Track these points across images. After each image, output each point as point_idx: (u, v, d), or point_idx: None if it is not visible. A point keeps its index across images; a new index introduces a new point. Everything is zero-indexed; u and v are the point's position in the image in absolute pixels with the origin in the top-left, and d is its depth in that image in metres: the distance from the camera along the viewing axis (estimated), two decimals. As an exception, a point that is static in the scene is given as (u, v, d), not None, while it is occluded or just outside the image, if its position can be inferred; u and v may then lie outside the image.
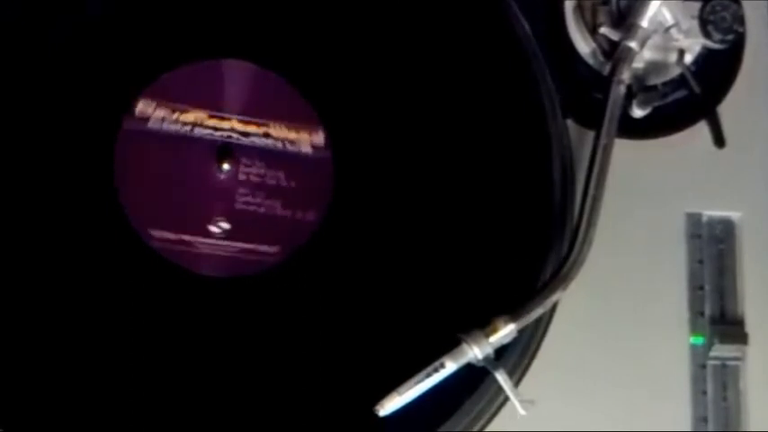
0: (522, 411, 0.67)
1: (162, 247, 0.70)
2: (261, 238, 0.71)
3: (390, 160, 0.73)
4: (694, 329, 0.76)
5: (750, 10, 0.78)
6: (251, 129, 0.72)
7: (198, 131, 0.72)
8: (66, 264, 0.69)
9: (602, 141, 0.73)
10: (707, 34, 0.75)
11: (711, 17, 0.75)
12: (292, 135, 0.72)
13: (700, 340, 0.76)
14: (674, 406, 0.74)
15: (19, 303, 0.68)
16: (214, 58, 0.73)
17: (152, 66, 0.72)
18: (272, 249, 0.71)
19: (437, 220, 0.72)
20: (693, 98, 0.77)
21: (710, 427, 0.74)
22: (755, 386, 0.75)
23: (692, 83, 0.77)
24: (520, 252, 0.72)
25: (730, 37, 0.75)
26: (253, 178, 0.72)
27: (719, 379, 0.75)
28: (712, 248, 0.77)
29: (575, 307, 0.73)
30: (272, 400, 0.68)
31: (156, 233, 0.70)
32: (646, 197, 0.77)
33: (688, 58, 0.77)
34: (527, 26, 0.77)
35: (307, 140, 0.72)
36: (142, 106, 0.72)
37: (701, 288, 0.76)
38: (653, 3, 0.75)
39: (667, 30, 0.76)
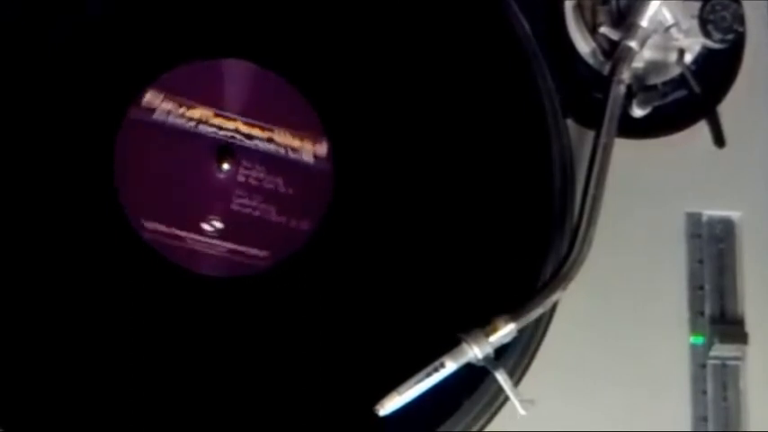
0: (522, 411, 0.67)
1: (153, 239, 0.70)
2: (252, 242, 0.71)
3: (390, 160, 0.73)
4: (694, 329, 0.76)
5: (750, 10, 0.78)
6: (255, 132, 0.72)
7: (202, 128, 0.72)
8: (62, 257, 0.69)
9: (602, 141, 0.73)
10: (707, 34, 0.75)
11: (711, 17, 0.75)
12: (296, 143, 0.72)
13: (700, 340, 0.76)
14: (674, 406, 0.74)
15: (14, 297, 0.68)
16: (214, 58, 0.73)
17: (152, 66, 0.72)
18: (262, 254, 0.71)
19: (437, 220, 0.72)
20: (693, 98, 0.77)
21: (710, 426, 0.74)
22: (755, 386, 0.75)
23: (692, 82, 0.77)
24: (520, 252, 0.72)
25: (730, 36, 0.75)
26: (251, 181, 0.72)
27: (719, 379, 0.75)
28: (712, 248, 0.77)
29: (575, 307, 0.73)
30: (272, 400, 0.68)
31: (150, 225, 0.70)
32: (646, 197, 0.77)
33: (688, 58, 0.77)
34: (527, 26, 0.77)
35: (310, 150, 0.72)
36: (150, 97, 0.72)
37: (701, 288, 0.76)
38: (653, 2, 0.75)
39: (667, 29, 0.76)
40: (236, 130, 0.72)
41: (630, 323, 0.75)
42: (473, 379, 0.69)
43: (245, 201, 0.71)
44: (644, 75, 0.77)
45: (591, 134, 0.74)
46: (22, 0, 0.72)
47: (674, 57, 0.77)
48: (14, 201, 0.69)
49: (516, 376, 0.72)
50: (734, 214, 0.78)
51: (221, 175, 0.72)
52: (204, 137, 0.72)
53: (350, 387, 0.69)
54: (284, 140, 0.72)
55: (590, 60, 0.78)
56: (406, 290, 0.71)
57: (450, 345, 0.67)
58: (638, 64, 0.76)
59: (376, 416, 0.65)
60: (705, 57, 0.77)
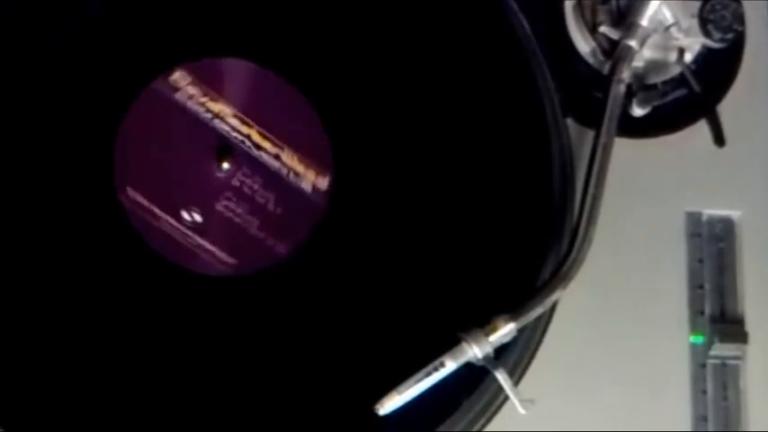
0: (521, 410, 0.67)
1: (129, 207, 0.70)
2: (223, 246, 0.71)
3: (388, 158, 0.73)
4: (694, 328, 0.76)
5: (750, 10, 0.77)
6: (266, 144, 0.72)
7: (216, 123, 0.72)
8: (59, 253, 0.69)
9: (602, 140, 0.73)
10: (707, 33, 0.75)
11: (711, 16, 0.75)
12: (300, 168, 0.72)
13: (700, 339, 0.76)
14: (673, 405, 0.74)
15: (12, 295, 0.68)
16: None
17: (152, 66, 0.72)
18: (229, 260, 0.71)
19: (437, 219, 0.72)
20: (693, 97, 0.77)
21: (710, 426, 0.74)
22: (755, 385, 0.75)
23: (692, 82, 0.77)
24: (520, 251, 0.72)
25: (730, 36, 0.75)
26: (245, 189, 0.72)
27: (719, 378, 0.75)
28: (712, 247, 0.77)
29: (575, 306, 0.73)
30: (271, 400, 0.69)
31: (131, 193, 0.70)
32: (646, 196, 0.77)
33: (688, 57, 0.77)
34: (527, 25, 0.77)
35: (311, 179, 0.72)
36: (178, 76, 0.72)
37: (701, 287, 0.76)
38: (653, 2, 0.75)
39: (667, 28, 0.76)
40: (249, 137, 0.72)
41: (630, 322, 0.75)
42: (473, 378, 0.69)
43: (232, 205, 0.71)
44: (644, 74, 0.77)
45: (591, 133, 0.74)
46: (22, 0, 0.72)
47: (673, 56, 0.77)
48: (14, 201, 0.69)
49: (516, 376, 0.72)
50: (734, 213, 0.78)
51: (218, 173, 0.72)
52: (215, 131, 0.72)
53: (350, 386, 0.69)
54: (290, 162, 0.72)
55: (590, 60, 0.78)
56: (406, 289, 0.71)
57: (449, 344, 0.67)
58: (637, 63, 0.76)
59: (376, 415, 0.65)
60: (705, 56, 0.77)
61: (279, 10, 0.74)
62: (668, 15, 0.75)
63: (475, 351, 0.66)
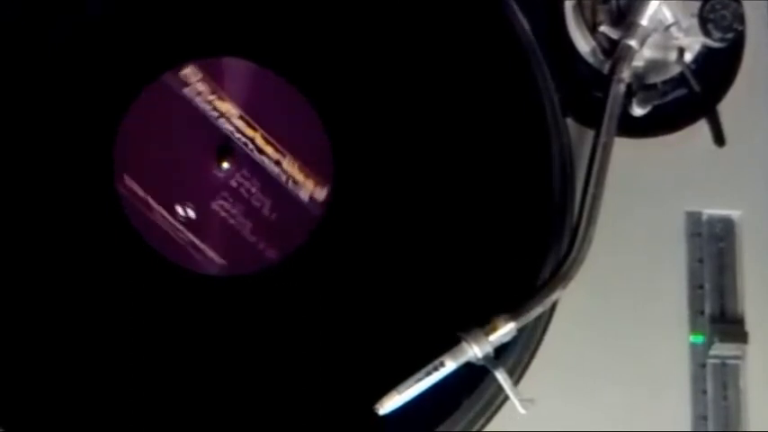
0: (521, 410, 0.67)
1: (124, 195, 0.70)
2: (214, 245, 0.71)
3: (388, 157, 0.73)
4: (694, 328, 0.76)
5: (750, 10, 0.77)
6: (269, 150, 0.72)
7: (221, 122, 0.72)
8: (58, 251, 0.69)
9: (602, 140, 0.73)
10: (707, 33, 0.75)
11: (711, 15, 0.75)
12: (300, 177, 0.72)
13: (700, 339, 0.76)
14: (673, 405, 0.74)
15: (11, 295, 0.68)
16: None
17: (151, 66, 0.72)
18: (218, 261, 0.71)
19: (437, 218, 0.72)
20: (693, 97, 0.77)
21: (710, 426, 0.74)
22: (755, 385, 0.75)
23: (692, 81, 0.77)
24: (520, 250, 0.72)
25: (730, 35, 0.75)
26: (242, 191, 0.72)
27: (719, 378, 0.75)
28: (712, 247, 0.77)
29: (574, 306, 0.73)
30: (271, 400, 0.69)
31: (128, 181, 0.70)
32: (646, 196, 0.77)
33: (688, 57, 0.77)
34: (527, 25, 0.77)
35: (310, 189, 0.72)
36: (189, 71, 0.72)
37: (701, 287, 0.76)
38: (653, 1, 0.75)
39: (667, 28, 0.75)
40: (252, 140, 0.72)
41: (630, 322, 0.75)
42: (473, 378, 0.69)
43: (227, 205, 0.71)
44: (644, 73, 0.77)
45: (591, 133, 0.74)
46: (22, 0, 0.72)
47: (673, 56, 0.77)
48: (14, 201, 0.69)
49: (516, 375, 0.72)
50: (734, 213, 0.78)
51: (217, 172, 0.72)
52: (219, 130, 0.72)
53: (350, 386, 0.69)
54: (291, 170, 0.72)
55: (590, 59, 0.78)
56: (406, 289, 0.71)
57: (449, 344, 0.67)
58: (637, 63, 0.76)
59: (376, 415, 0.65)
60: (705, 56, 0.77)
61: (279, 10, 0.74)
62: (668, 15, 0.75)
63: (475, 351, 0.66)
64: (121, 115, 0.72)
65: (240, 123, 0.72)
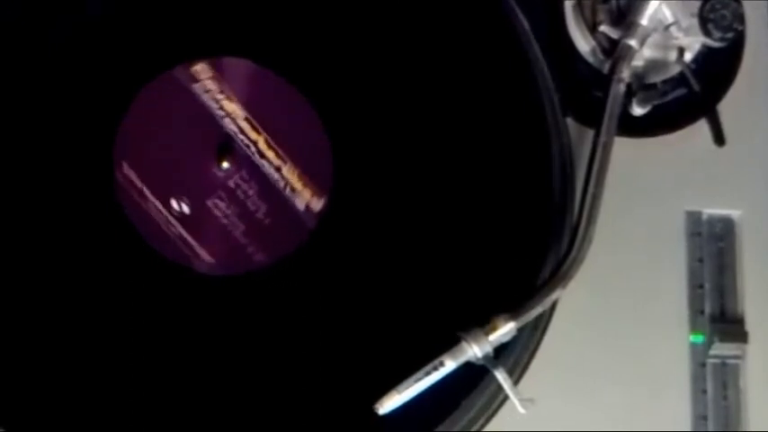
0: (521, 410, 0.67)
1: (121, 183, 0.70)
2: (205, 243, 0.71)
3: (388, 156, 0.73)
4: (694, 328, 0.76)
5: (750, 10, 0.77)
6: (270, 155, 0.72)
7: (227, 122, 0.72)
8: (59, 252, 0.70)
9: (602, 139, 0.73)
10: (707, 32, 0.75)
11: (711, 15, 0.75)
12: (298, 185, 0.72)
13: (699, 339, 0.76)
14: (673, 404, 0.74)
15: (11, 295, 0.68)
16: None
17: (152, 66, 0.72)
18: (207, 259, 0.71)
19: (437, 218, 0.72)
20: (693, 96, 0.77)
21: (710, 425, 0.74)
22: (755, 385, 0.75)
23: (692, 81, 0.77)
24: (519, 250, 0.72)
25: (730, 35, 0.75)
26: (239, 192, 0.72)
27: (719, 377, 0.75)
28: (712, 246, 0.77)
29: (574, 305, 0.73)
30: (271, 399, 0.69)
31: (126, 169, 0.70)
32: (645, 195, 0.77)
33: (688, 57, 0.77)
34: (527, 24, 0.77)
35: (306, 198, 0.72)
36: (200, 68, 0.72)
37: (701, 286, 0.76)
38: (653, 1, 0.75)
39: (667, 28, 0.75)
40: (255, 143, 0.72)
41: (630, 322, 0.75)
42: (472, 378, 0.69)
43: (222, 205, 0.71)
44: (644, 73, 0.77)
45: (591, 133, 0.74)
46: (22, 0, 0.72)
47: (673, 55, 0.77)
48: (13, 201, 0.69)
49: (516, 375, 0.72)
50: (734, 213, 0.78)
51: (216, 171, 0.72)
52: (222, 130, 0.72)
53: (349, 386, 0.69)
54: (290, 177, 0.72)
55: (590, 59, 0.78)
56: (406, 289, 0.71)
57: (449, 343, 0.67)
58: (637, 62, 0.76)
59: (375, 415, 0.65)
60: (705, 55, 0.77)
61: (280, 10, 0.74)
62: (668, 14, 0.75)
63: (474, 350, 0.66)
64: (121, 115, 0.72)
65: (245, 125, 0.72)
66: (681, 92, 0.77)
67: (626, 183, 0.76)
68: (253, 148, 0.72)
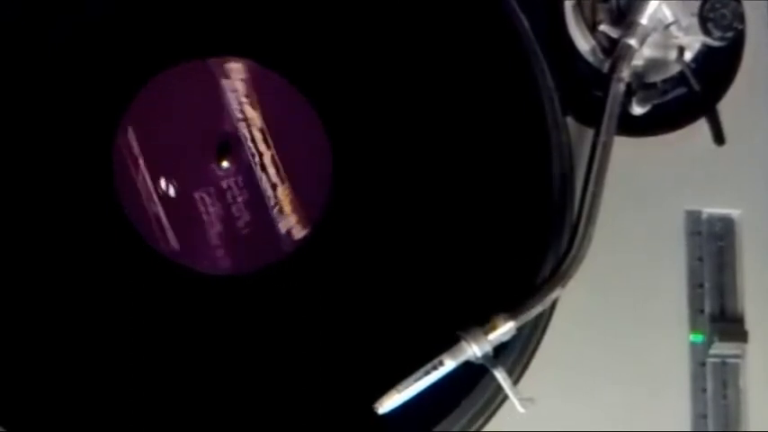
0: (521, 409, 0.67)
1: (119, 151, 0.71)
2: (177, 229, 0.71)
3: (388, 154, 0.73)
4: (694, 327, 0.76)
5: (750, 9, 0.77)
6: (272, 171, 0.72)
7: (241, 126, 0.72)
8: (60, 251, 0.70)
9: (602, 139, 0.73)
10: (707, 32, 0.75)
11: (711, 14, 0.75)
12: (287, 208, 0.71)
13: (699, 338, 0.76)
14: (673, 404, 0.74)
15: (12, 295, 0.68)
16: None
17: (152, 66, 0.73)
18: (174, 244, 0.71)
19: (437, 217, 0.72)
20: (693, 96, 0.77)
21: (710, 425, 0.74)
22: (755, 384, 0.75)
23: (692, 80, 0.77)
24: (519, 249, 0.72)
25: (730, 34, 0.75)
26: (228, 194, 0.72)
27: (719, 377, 0.75)
28: (712, 246, 0.77)
29: (574, 304, 0.73)
30: (271, 399, 0.69)
31: (130, 135, 0.71)
32: (645, 194, 0.77)
33: (688, 56, 0.77)
34: (527, 23, 0.77)
35: (290, 224, 0.71)
36: (236, 66, 0.73)
37: (701, 285, 0.76)
38: (653, 0, 0.75)
39: (667, 27, 0.75)
40: (261, 155, 0.72)
41: (630, 321, 0.75)
42: (472, 377, 0.69)
43: (208, 200, 0.71)
44: (644, 73, 0.77)
45: (590, 132, 0.74)
46: (22, 0, 0.72)
47: (673, 55, 0.77)
48: (13, 201, 0.70)
49: (515, 374, 0.72)
50: (733, 212, 0.78)
51: (215, 167, 0.72)
52: (235, 132, 0.72)
53: (349, 385, 0.69)
54: (282, 198, 0.72)
55: (590, 58, 0.78)
56: (405, 288, 0.71)
57: (449, 343, 0.67)
58: (637, 62, 0.76)
59: (375, 414, 0.65)
60: (705, 55, 0.77)
61: (280, 10, 0.75)
62: (668, 14, 0.75)
63: (474, 350, 0.66)
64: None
65: (258, 135, 0.72)
66: (681, 91, 0.77)
67: (626, 182, 0.76)
68: (257, 159, 0.72)
